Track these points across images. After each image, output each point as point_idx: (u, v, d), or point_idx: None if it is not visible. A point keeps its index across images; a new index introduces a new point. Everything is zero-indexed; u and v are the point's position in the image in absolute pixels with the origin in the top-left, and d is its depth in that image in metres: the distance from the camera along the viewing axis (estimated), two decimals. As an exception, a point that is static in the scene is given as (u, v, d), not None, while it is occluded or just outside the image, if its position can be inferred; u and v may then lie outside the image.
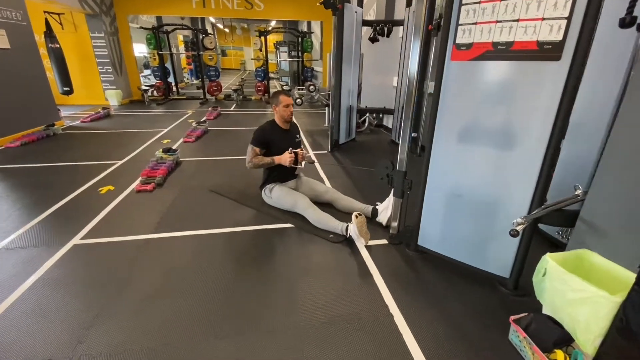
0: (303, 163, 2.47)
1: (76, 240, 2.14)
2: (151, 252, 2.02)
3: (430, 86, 3.90)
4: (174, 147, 4.05)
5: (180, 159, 3.81)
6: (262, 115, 6.85)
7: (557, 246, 2.03)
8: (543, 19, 1.28)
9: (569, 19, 1.23)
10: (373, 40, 4.40)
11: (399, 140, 4.51)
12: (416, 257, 1.99)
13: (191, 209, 2.60)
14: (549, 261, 1.31)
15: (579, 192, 1.55)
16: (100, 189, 2.96)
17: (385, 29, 4.27)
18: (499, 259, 1.69)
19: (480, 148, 1.59)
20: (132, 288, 1.69)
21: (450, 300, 1.66)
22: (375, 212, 2.38)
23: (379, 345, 1.38)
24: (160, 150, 3.75)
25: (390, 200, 2.30)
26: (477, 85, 1.52)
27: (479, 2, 1.41)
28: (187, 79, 14.23)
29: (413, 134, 4.15)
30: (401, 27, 4.24)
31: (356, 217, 1.99)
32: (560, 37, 1.27)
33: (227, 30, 20.26)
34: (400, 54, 4.30)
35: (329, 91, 5.54)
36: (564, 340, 1.24)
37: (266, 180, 2.59)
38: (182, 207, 2.64)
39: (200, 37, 8.42)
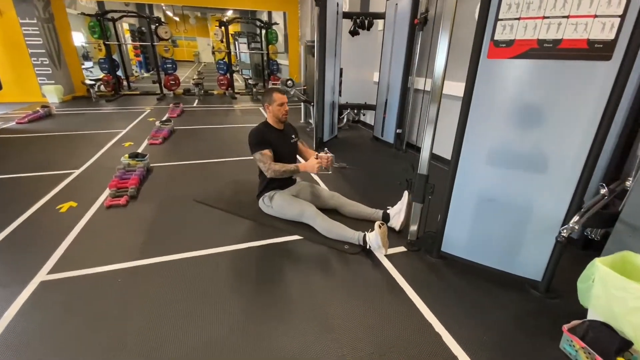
0: (331, 168, 2.25)
1: (42, 275, 1.74)
2: (142, 284, 1.70)
3: (416, 82, 3.87)
4: (141, 151, 3.58)
5: (151, 165, 3.38)
6: (230, 112, 6.42)
7: (572, 244, 2.05)
8: (595, 16, 1.22)
9: (622, 17, 1.18)
10: (353, 33, 4.25)
11: (382, 136, 4.49)
12: (440, 264, 1.91)
13: (179, 226, 2.27)
14: (603, 268, 1.28)
15: (603, 191, 1.56)
16: (59, 206, 2.49)
17: (366, 21, 4.14)
18: (531, 262, 1.65)
19: (516, 149, 1.52)
20: (132, 340, 1.38)
21: (489, 308, 1.60)
22: (386, 217, 2.27)
23: (437, 372, 1.27)
24: (126, 155, 3.29)
25: (403, 204, 2.20)
26: (516, 83, 1.44)
27: (524, -4, 1.32)
28: (136, 71, 12.99)
29: (397, 130, 4.12)
30: (381, 21, 4.14)
31: (379, 226, 1.85)
32: (612, 36, 1.21)
33: (177, 18, 18.84)
34: (382, 48, 4.21)
35: (304, 86, 5.33)
36: (624, 347, 1.22)
37: (265, 188, 2.35)
38: (167, 223, 2.30)
39: (153, 26, 7.64)
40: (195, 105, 7.16)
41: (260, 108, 6.70)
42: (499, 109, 1.51)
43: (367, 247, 1.96)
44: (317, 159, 2.15)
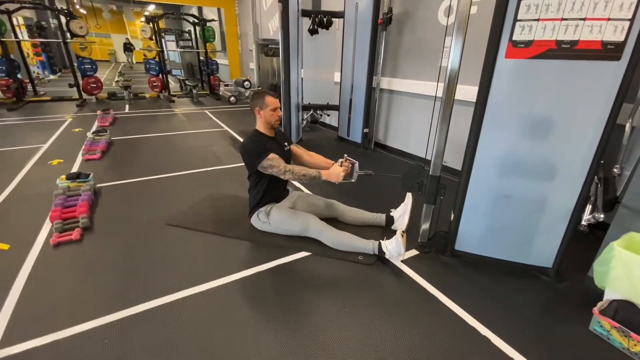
0: (355, 176, 2.07)
1: (-11, 353, 1.29)
2: (137, 340, 1.36)
3: (382, 82, 3.91)
4: (79, 170, 2.97)
5: (97, 185, 2.83)
6: (172, 117, 5.79)
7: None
8: (609, 19, 1.30)
9: (632, 20, 1.28)
10: (312, 32, 4.13)
11: (349, 136, 4.47)
12: (456, 262, 1.92)
13: (162, 258, 1.91)
14: (623, 251, 1.39)
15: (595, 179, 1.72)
16: (-17, 251, 1.91)
17: (325, 20, 4.05)
18: (543, 250, 1.75)
19: (531, 147, 1.58)
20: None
21: (515, 300, 1.65)
22: (390, 220, 2.22)
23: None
24: (63, 177, 2.70)
25: (407, 206, 2.17)
26: (534, 83, 1.48)
27: (543, -2, 1.35)
28: (38, 72, 10.96)
29: (365, 130, 4.14)
30: (340, 20, 4.10)
31: (402, 235, 1.78)
32: (622, 38, 1.31)
33: (84, 11, 16.43)
34: (342, 47, 4.17)
35: (258, 86, 5.05)
36: (651, 322, 1.34)
37: (259, 203, 2.11)
38: (144, 257, 1.92)
39: (64, 19, 6.48)
40: (127, 111, 6.30)
41: (201, 112, 6.19)
42: (515, 107, 1.55)
43: (388, 256, 1.87)
44: (341, 165, 1.99)
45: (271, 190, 2.11)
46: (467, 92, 2.90)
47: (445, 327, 1.47)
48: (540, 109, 1.51)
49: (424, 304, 1.61)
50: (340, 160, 2.08)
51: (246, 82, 4.50)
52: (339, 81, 4.38)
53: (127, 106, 6.71)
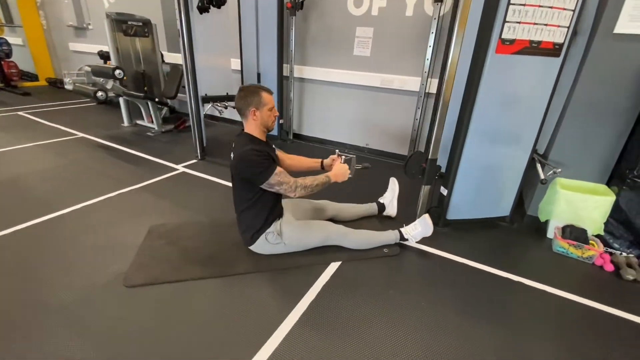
0: (353, 171, 1.89)
1: None
2: None
3: (295, 70, 3.76)
4: None
5: None
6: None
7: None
8: (559, 26, 1.75)
9: (568, 27, 1.78)
10: (202, 9, 3.46)
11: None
12: (450, 230, 2.21)
13: (167, 335, 1.33)
14: (566, 192, 2.00)
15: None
16: None
17: (216, -3, 3.47)
18: (504, 204, 2.26)
19: (508, 120, 1.96)
20: None
21: (497, 243, 2.10)
22: (382, 207, 2.29)
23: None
24: None
25: (395, 191, 2.30)
26: (512, 73, 1.83)
27: (524, 5, 1.67)
28: None
29: (280, 121, 3.97)
30: (233, -1, 3.62)
31: (429, 215, 1.89)
32: (562, 40, 1.80)
33: None
34: (240, 31, 3.73)
35: (124, 77, 3.91)
36: (586, 234, 2.00)
37: (265, 223, 1.74)
38: (140, 338, 1.28)
39: None
40: None
41: (14, 116, 4.31)
42: (498, 93, 1.88)
43: (415, 241, 1.95)
44: (343, 163, 1.83)
45: (276, 204, 1.79)
46: (404, 82, 3.23)
47: (505, 291, 1.73)
48: (513, 93, 1.90)
49: (475, 276, 1.81)
50: (332, 156, 1.97)
51: (118, 71, 3.34)
52: (240, 69, 3.94)
53: None
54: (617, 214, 1.97)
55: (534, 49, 1.78)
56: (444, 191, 2.16)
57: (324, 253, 1.87)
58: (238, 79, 4.04)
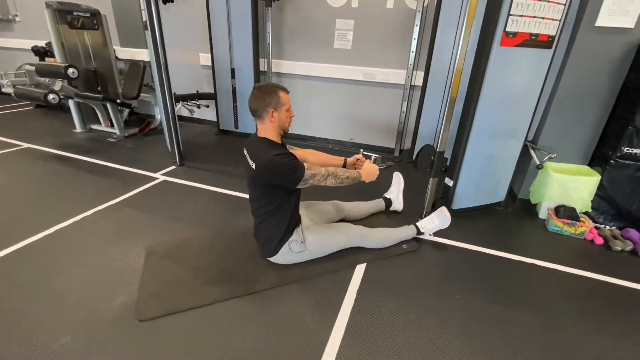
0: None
1: None
2: None
3: (274, 64, 3.57)
4: None
5: None
6: None
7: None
8: (553, 19, 1.85)
9: (560, 20, 1.88)
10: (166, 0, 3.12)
11: (238, 128, 3.88)
12: (455, 219, 2.22)
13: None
14: (558, 175, 2.15)
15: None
16: None
17: (181, -14, 3.15)
18: (500, 190, 2.38)
19: (507, 111, 2.04)
20: None
21: (499, 226, 2.22)
22: (389, 202, 2.28)
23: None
24: None
25: (400, 185, 2.31)
26: (514, 65, 1.90)
27: (526, -1, 1.73)
28: None
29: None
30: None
31: (445, 208, 1.91)
32: (554, 33, 1.90)
33: None
34: (209, 24, 3.44)
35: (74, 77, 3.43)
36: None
37: (287, 231, 1.63)
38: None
39: None
40: None
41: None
42: (501, 85, 1.94)
43: (421, 235, 1.97)
44: (372, 162, 1.77)
45: (296, 211, 1.68)
46: (387, 75, 3.22)
47: (504, 265, 1.81)
48: (513, 85, 1.98)
49: (507, 266, 1.88)
50: (356, 156, 1.91)
51: (72, 70, 2.86)
52: (210, 64, 3.65)
53: None
54: (601, 192, 2.17)
55: (533, 41, 1.86)
56: (449, 182, 2.21)
57: (346, 256, 1.81)
58: (209, 75, 3.74)
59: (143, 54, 3.94)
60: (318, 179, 1.54)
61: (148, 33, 2.72)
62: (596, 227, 2.18)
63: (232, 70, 3.59)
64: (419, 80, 3.05)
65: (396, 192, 2.30)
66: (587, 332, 1.44)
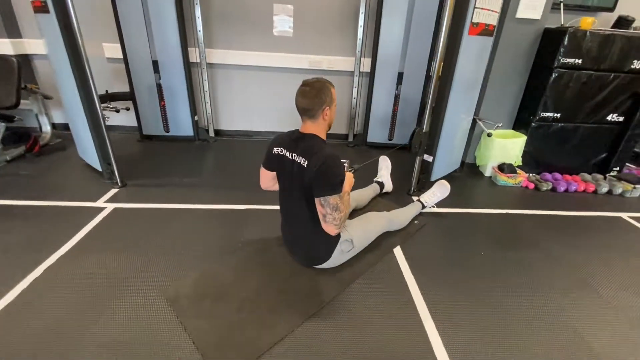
0: None
1: None
2: None
3: (207, 54, 3.10)
4: None
5: None
6: None
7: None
8: (497, 12, 2.22)
9: (499, 13, 2.28)
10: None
11: (169, 131, 3.28)
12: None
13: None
14: (500, 140, 2.68)
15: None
16: None
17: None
18: (456, 158, 2.80)
19: (467, 91, 2.39)
20: None
21: (461, 189, 2.65)
22: (382, 185, 2.40)
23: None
24: None
25: (388, 169, 2.46)
26: (473, 52, 2.21)
27: (485, -7, 2.02)
28: None
29: (195, 118, 3.35)
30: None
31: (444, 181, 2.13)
32: (495, 23, 2.30)
33: None
34: (115, 8, 2.74)
35: None
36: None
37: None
38: None
39: None
40: None
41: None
42: (466, 71, 2.24)
43: (424, 208, 2.18)
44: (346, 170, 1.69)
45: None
46: (334, 63, 3.22)
47: (492, 219, 2.20)
48: (472, 68, 2.32)
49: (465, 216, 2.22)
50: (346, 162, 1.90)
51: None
52: (122, 57, 2.94)
53: None
54: (526, 148, 2.80)
55: (486, 30, 2.21)
56: (428, 158, 2.47)
57: (378, 246, 1.85)
58: (119, 70, 3.01)
59: (10, 46, 2.87)
60: (335, 217, 1.40)
61: (46, 16, 2.01)
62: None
63: (155, 63, 3.00)
64: (367, 66, 3.19)
65: (385, 175, 2.44)
66: (566, 245, 1.91)
